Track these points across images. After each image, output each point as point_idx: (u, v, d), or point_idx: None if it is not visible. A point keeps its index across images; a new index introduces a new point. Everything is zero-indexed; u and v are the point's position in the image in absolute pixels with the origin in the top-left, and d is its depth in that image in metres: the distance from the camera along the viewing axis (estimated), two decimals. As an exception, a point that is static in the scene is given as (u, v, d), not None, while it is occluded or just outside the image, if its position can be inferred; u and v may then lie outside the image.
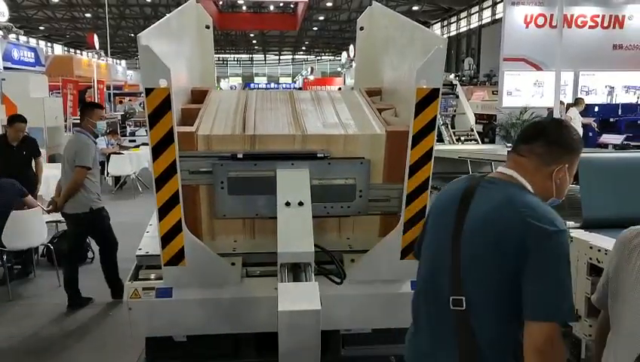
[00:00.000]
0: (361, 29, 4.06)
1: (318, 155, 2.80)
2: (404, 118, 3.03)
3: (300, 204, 2.65)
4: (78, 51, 43.98)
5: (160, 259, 2.67)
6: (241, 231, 3.04)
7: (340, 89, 25.79)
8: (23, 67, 14.96)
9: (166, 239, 2.58)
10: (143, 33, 2.31)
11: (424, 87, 2.44)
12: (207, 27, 4.03)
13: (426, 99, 2.47)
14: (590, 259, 3.59)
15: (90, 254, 6.35)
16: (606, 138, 11.23)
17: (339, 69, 43.60)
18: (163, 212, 2.53)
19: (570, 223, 4.08)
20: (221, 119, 3.06)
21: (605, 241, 3.59)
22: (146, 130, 2.44)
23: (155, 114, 2.37)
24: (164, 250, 2.61)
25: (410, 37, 2.93)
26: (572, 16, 14.56)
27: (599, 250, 3.50)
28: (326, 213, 2.90)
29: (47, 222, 5.63)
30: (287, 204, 2.64)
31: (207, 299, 2.76)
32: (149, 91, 2.34)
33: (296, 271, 2.47)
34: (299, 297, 2.23)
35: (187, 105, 3.26)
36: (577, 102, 11.58)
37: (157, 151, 2.43)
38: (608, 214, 4.01)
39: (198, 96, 3.47)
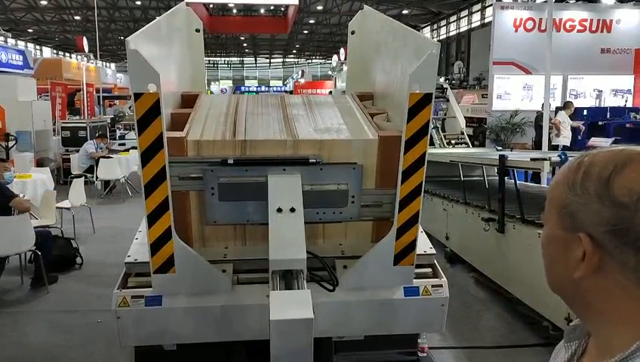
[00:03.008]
0: (353, 33, 4.03)
1: (310, 161, 2.77)
2: (396, 123, 3.01)
3: (292, 210, 2.61)
4: (67, 54, 43.61)
5: (149, 267, 2.63)
6: (232, 237, 3.00)
7: (330, 92, 25.81)
8: (11, 70, 14.83)
9: (155, 246, 2.53)
10: (131, 37, 2.27)
11: (417, 91, 2.41)
12: (198, 30, 3.98)
13: (419, 104, 2.45)
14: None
15: (78, 260, 6.28)
16: (595, 141, 11.28)
17: (329, 72, 43.59)
18: (152, 219, 2.48)
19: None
20: (211, 124, 3.02)
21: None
22: (136, 135, 2.40)
23: (144, 119, 2.33)
24: (154, 258, 2.56)
25: (403, 41, 2.91)
26: (561, 20, 14.71)
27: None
28: (318, 219, 2.87)
29: (35, 228, 5.53)
30: (279, 210, 2.61)
31: (198, 307, 2.72)
32: (137, 96, 2.29)
33: (287, 279, 2.43)
34: (291, 305, 2.20)
35: (177, 109, 3.22)
36: (566, 105, 11.65)
37: (146, 157, 2.39)
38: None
39: (188, 101, 3.43)
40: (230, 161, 2.71)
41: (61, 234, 6.53)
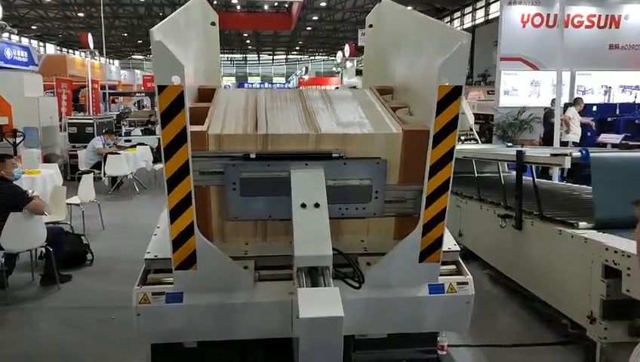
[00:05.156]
0: (370, 26, 3.98)
1: (333, 155, 2.71)
2: (419, 117, 2.95)
3: (316, 205, 2.56)
4: (70, 51, 43.58)
5: (170, 263, 2.58)
6: (253, 233, 2.95)
7: (337, 88, 25.68)
8: (16, 67, 14.81)
9: (177, 242, 2.48)
10: (155, 28, 2.22)
11: (446, 84, 2.35)
12: (213, 24, 3.93)
13: (448, 97, 2.38)
14: (606, 260, 3.53)
15: (89, 256, 6.24)
16: (604, 137, 11.20)
17: (334, 69, 43.51)
18: (175, 214, 2.43)
19: (583, 224, 4.04)
20: (231, 118, 2.96)
21: (621, 242, 3.54)
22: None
23: (168, 112, 2.28)
24: (175, 254, 2.51)
25: (428, 33, 2.85)
26: (569, 15, 14.55)
27: (615, 252, 3.45)
28: (340, 215, 2.82)
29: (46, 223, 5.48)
30: (303, 205, 2.55)
31: (220, 304, 2.67)
32: (161, 89, 2.24)
33: (313, 276, 2.38)
34: (320, 303, 2.14)
35: (195, 103, 3.16)
36: (576, 101, 11.55)
37: (169, 151, 2.33)
38: (621, 214, 3.95)
39: (205, 95, 3.38)
40: (252, 156, 2.66)
41: (71, 231, 6.49)
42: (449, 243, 2.98)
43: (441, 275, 2.81)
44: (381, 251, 2.79)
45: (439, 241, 2.65)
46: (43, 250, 5.61)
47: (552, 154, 4.11)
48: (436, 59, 2.43)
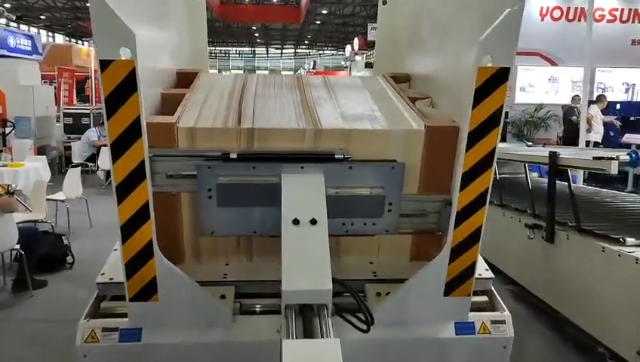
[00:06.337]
0: (384, 3, 3.39)
1: (336, 157, 2.15)
2: (444, 110, 2.38)
3: (313, 222, 1.99)
4: (79, 41, 43.18)
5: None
6: (235, 251, 2.39)
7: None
8: (20, 55, 14.30)
9: (131, 267, 1.92)
10: None
11: (489, 65, 1.77)
12: None
13: (490, 83, 1.80)
14: (665, 287, 2.95)
15: (69, 259, 5.70)
16: (629, 137, 10.53)
17: (342, 63, 42.89)
18: (127, 231, 1.88)
19: (630, 240, 3.44)
20: (211, 108, 2.39)
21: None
22: (104, 118, 1.77)
23: (115, 97, 1.71)
24: (130, 281, 1.96)
25: (460, 3, 2.25)
26: (590, 9, 13.91)
27: (679, 278, 2.85)
28: (345, 232, 2.25)
29: (18, 223, 4.95)
30: (296, 221, 1.98)
31: (188, 344, 2.10)
32: (105, 65, 1.67)
33: (306, 316, 1.80)
34: None
35: (170, 89, 2.60)
36: (599, 99, 10.91)
37: (117, 149, 1.77)
38: (680, 230, 3.37)
39: (186, 80, 2.81)
40: (233, 156, 2.09)
41: (52, 230, 5.96)
42: (480, 268, 2.39)
43: (470, 311, 2.23)
44: (394, 277, 2.23)
45: (471, 269, 2.07)
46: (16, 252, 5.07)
47: (595, 158, 3.50)
48: (474, 33, 1.84)
